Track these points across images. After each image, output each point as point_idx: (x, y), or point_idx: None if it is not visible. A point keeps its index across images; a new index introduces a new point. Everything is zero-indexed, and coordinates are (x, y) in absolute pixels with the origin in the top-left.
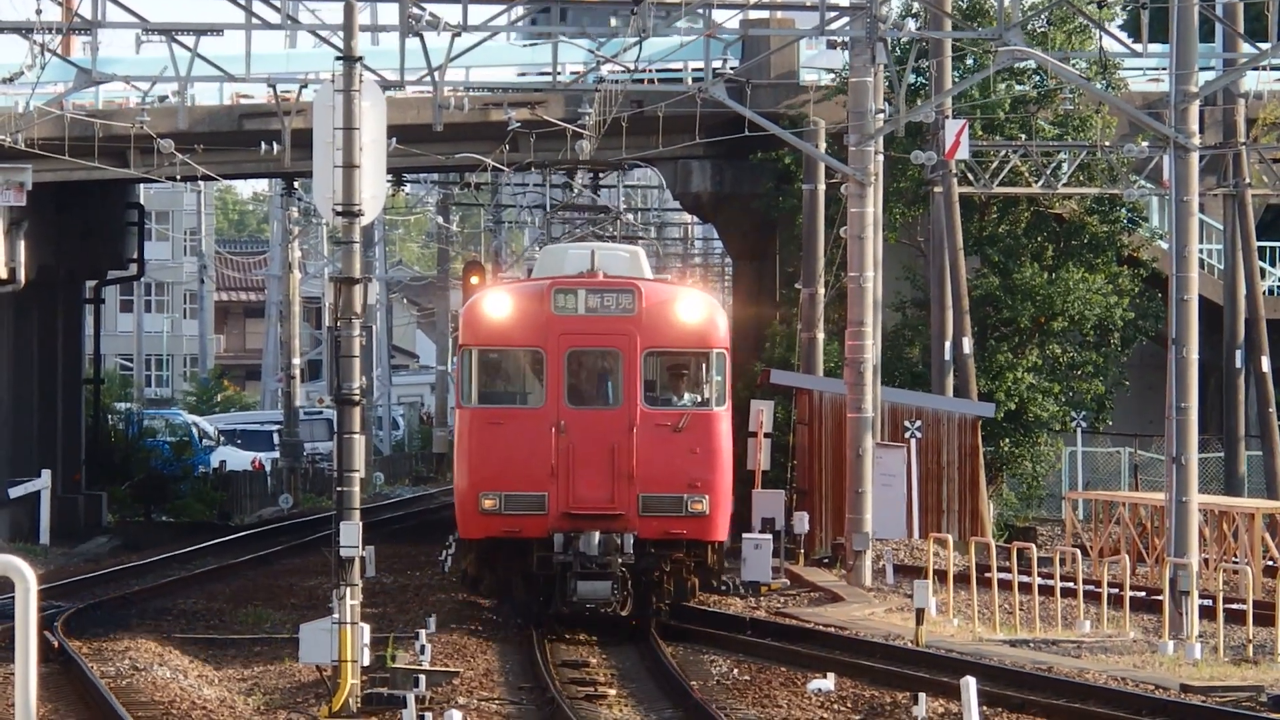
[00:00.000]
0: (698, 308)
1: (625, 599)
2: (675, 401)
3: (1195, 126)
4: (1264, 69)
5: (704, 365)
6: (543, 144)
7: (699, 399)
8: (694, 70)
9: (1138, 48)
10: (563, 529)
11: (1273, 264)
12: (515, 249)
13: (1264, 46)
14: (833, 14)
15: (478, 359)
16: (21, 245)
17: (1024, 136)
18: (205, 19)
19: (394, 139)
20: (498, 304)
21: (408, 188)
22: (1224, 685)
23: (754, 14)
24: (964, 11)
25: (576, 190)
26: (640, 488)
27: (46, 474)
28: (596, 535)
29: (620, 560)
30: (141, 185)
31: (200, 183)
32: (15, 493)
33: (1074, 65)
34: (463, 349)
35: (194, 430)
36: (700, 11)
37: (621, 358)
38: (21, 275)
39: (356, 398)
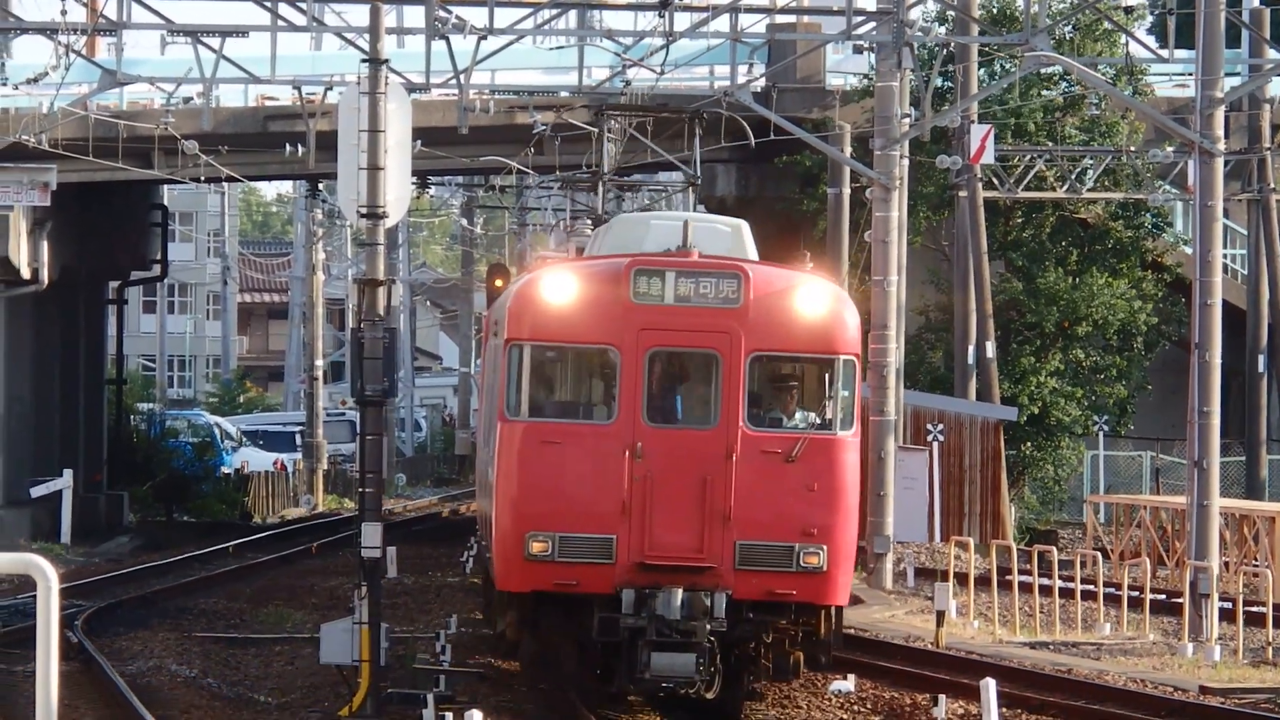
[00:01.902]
0: (822, 300)
1: (713, 678)
2: (788, 422)
3: (1220, 132)
4: None
5: (828, 376)
6: (568, 147)
7: (820, 420)
8: (719, 75)
9: (1164, 53)
10: (635, 583)
11: None
12: (540, 252)
13: None
14: (859, 19)
15: (530, 359)
16: (45, 245)
17: (1050, 142)
18: (230, 21)
19: (419, 141)
20: (560, 287)
21: (432, 190)
22: (1243, 687)
23: (780, 18)
24: (991, 16)
25: (601, 196)
26: (738, 533)
27: (68, 474)
28: (679, 593)
29: (709, 627)
30: (165, 186)
31: (224, 184)
32: (37, 492)
33: (1100, 71)
34: (510, 344)
35: (216, 431)
36: (727, 16)
37: (720, 362)
38: (45, 275)
39: (379, 399)
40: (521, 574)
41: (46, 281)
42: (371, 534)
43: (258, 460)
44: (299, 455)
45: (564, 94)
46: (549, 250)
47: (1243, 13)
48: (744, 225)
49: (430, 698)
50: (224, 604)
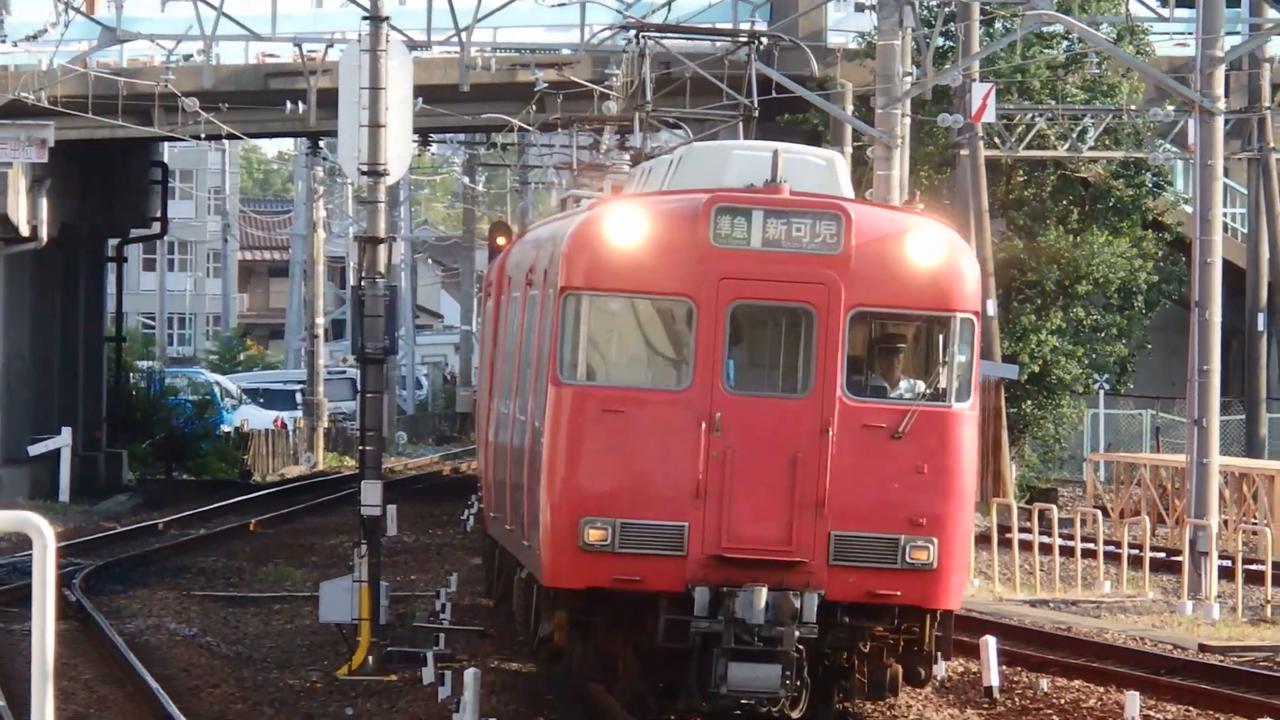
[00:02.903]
0: (937, 248)
1: (799, 694)
2: (894, 392)
3: (1221, 91)
4: None
5: (943, 337)
6: (570, 105)
7: (931, 389)
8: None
9: (1164, 12)
10: (710, 580)
11: None
12: (542, 211)
13: None
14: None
15: (589, 312)
16: (44, 203)
17: (1051, 101)
18: None
19: (420, 99)
20: (626, 227)
21: (434, 148)
22: (1242, 645)
23: None
24: None
25: (605, 148)
26: (834, 523)
27: (67, 432)
28: (764, 592)
29: (798, 633)
30: (165, 144)
31: (225, 142)
32: (35, 450)
33: (1101, 30)
34: (565, 294)
35: (216, 389)
36: None
37: (816, 319)
38: (44, 233)
39: (380, 357)
40: (574, 567)
41: (46, 239)
42: (372, 492)
43: (258, 418)
44: (299, 413)
45: (565, 51)
46: (582, 189)
47: None
48: (839, 158)
49: (430, 656)
50: (223, 562)
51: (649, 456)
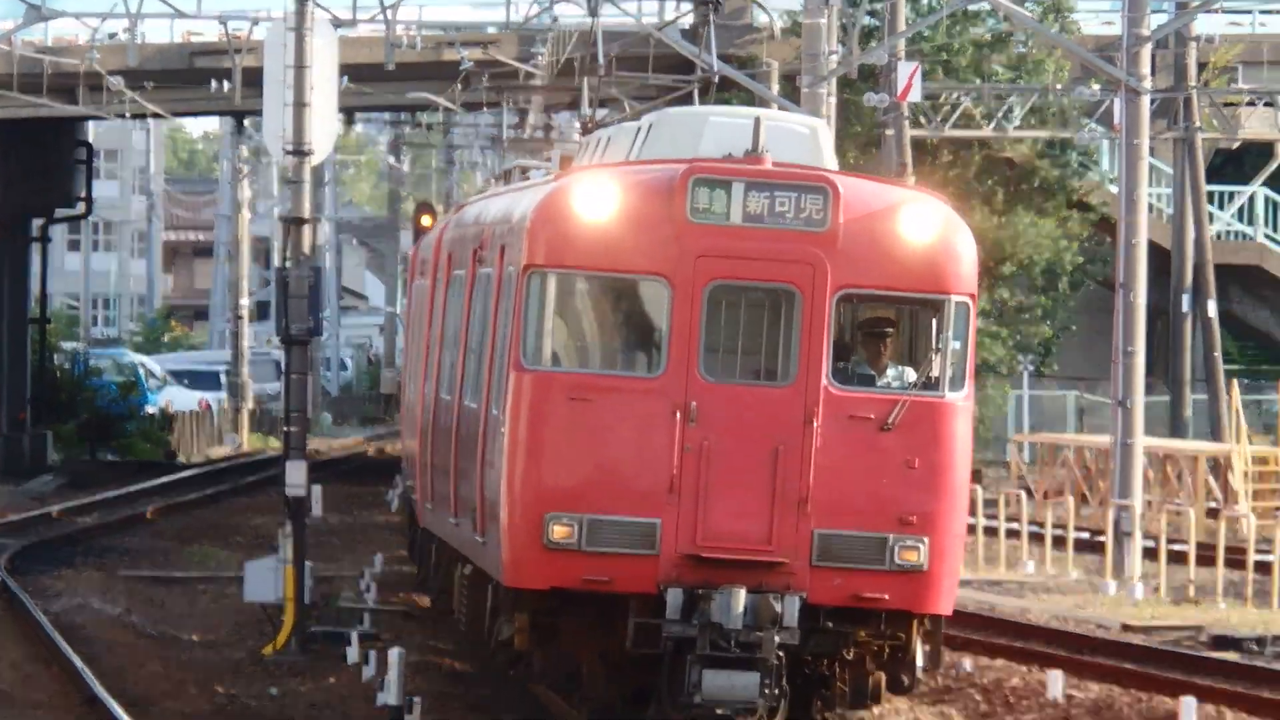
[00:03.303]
0: (931, 225)
1: (779, 703)
2: (883, 380)
3: (1147, 70)
4: (1216, 12)
5: (936, 321)
6: (495, 84)
7: (924, 378)
8: (648, 13)
9: None
10: (685, 582)
11: (1221, 208)
12: (468, 190)
13: None
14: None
15: (555, 291)
16: None
17: (977, 79)
18: None
19: (345, 78)
20: (596, 199)
21: (359, 127)
22: (1164, 625)
23: None
24: None
25: (532, 125)
26: (818, 520)
27: None
28: (742, 595)
29: (778, 639)
30: (90, 123)
31: (150, 121)
32: None
33: (1027, 8)
34: (529, 272)
35: (141, 370)
36: None
37: (800, 301)
38: None
39: (304, 339)
40: (537, 567)
41: None
42: (296, 473)
43: (182, 399)
44: (224, 394)
45: (491, 30)
46: (532, 159)
47: None
48: (822, 126)
49: (354, 635)
50: (149, 543)
51: (619, 448)
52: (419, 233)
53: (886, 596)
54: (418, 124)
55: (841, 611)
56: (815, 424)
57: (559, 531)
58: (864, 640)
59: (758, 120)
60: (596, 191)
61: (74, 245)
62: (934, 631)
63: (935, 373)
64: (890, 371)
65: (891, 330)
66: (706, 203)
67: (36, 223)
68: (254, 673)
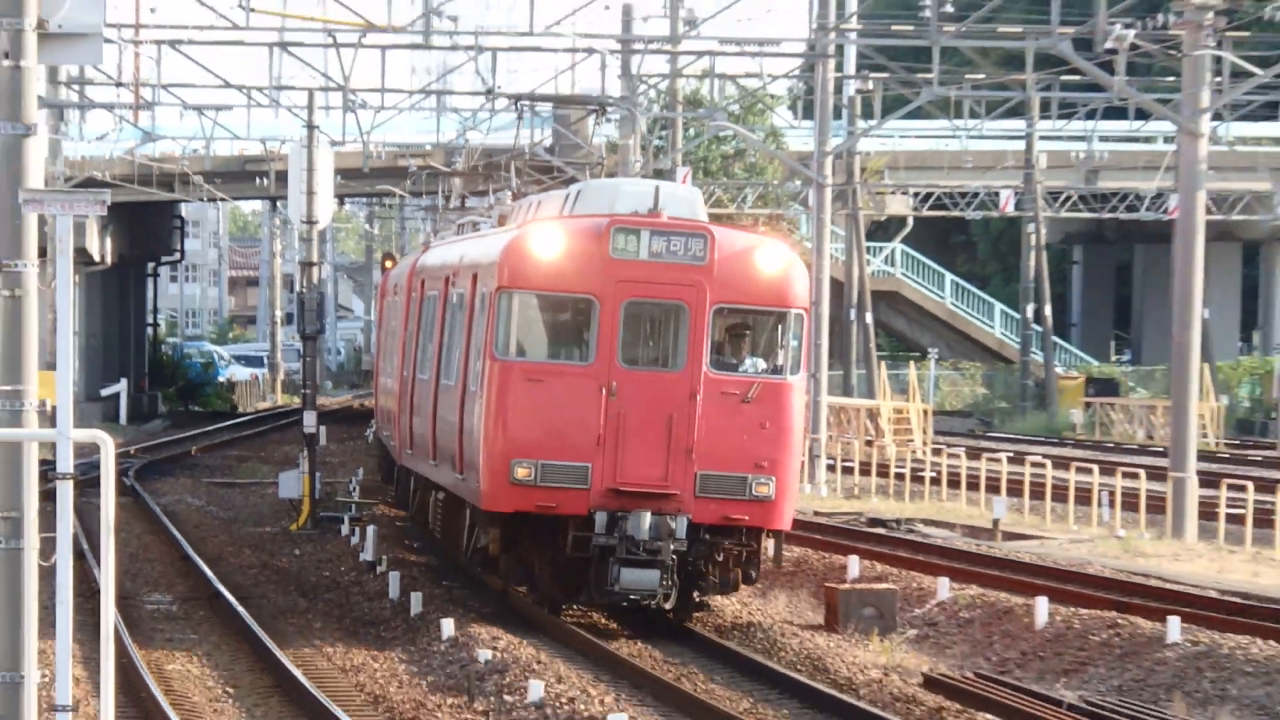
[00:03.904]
0: (777, 260)
1: (671, 592)
2: (744, 367)
3: (829, 172)
4: (870, 137)
5: (780, 327)
6: (430, 180)
7: (772, 366)
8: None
9: (795, 122)
10: (607, 507)
11: (875, 256)
12: (414, 243)
13: (870, 123)
14: (609, 102)
15: (519, 305)
16: (108, 240)
17: (725, 177)
18: (222, 101)
19: (338, 176)
20: (546, 242)
21: (347, 206)
22: (839, 511)
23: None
24: (689, 99)
25: (453, 201)
26: (699, 464)
27: (124, 381)
28: (647, 517)
29: (672, 547)
30: (182, 203)
31: (218, 202)
32: (105, 392)
33: (756, 133)
34: (500, 292)
35: (214, 355)
36: (526, 104)
37: (688, 313)
38: (109, 258)
39: (314, 335)
40: (506, 496)
41: (110, 262)
42: (310, 418)
43: (240, 373)
44: (266, 370)
45: (427, 146)
46: (476, 218)
47: (844, 98)
48: (698, 193)
49: (346, 518)
50: (219, 461)
51: (562, 414)
52: (385, 270)
53: (746, 518)
54: (383, 204)
55: (715, 528)
56: (698, 398)
57: (521, 472)
58: (729, 548)
59: (657, 188)
60: (546, 237)
61: (173, 279)
62: (777, 541)
63: (780, 362)
64: (748, 361)
65: (748, 333)
66: (623, 244)
67: (150, 265)
68: (284, 541)
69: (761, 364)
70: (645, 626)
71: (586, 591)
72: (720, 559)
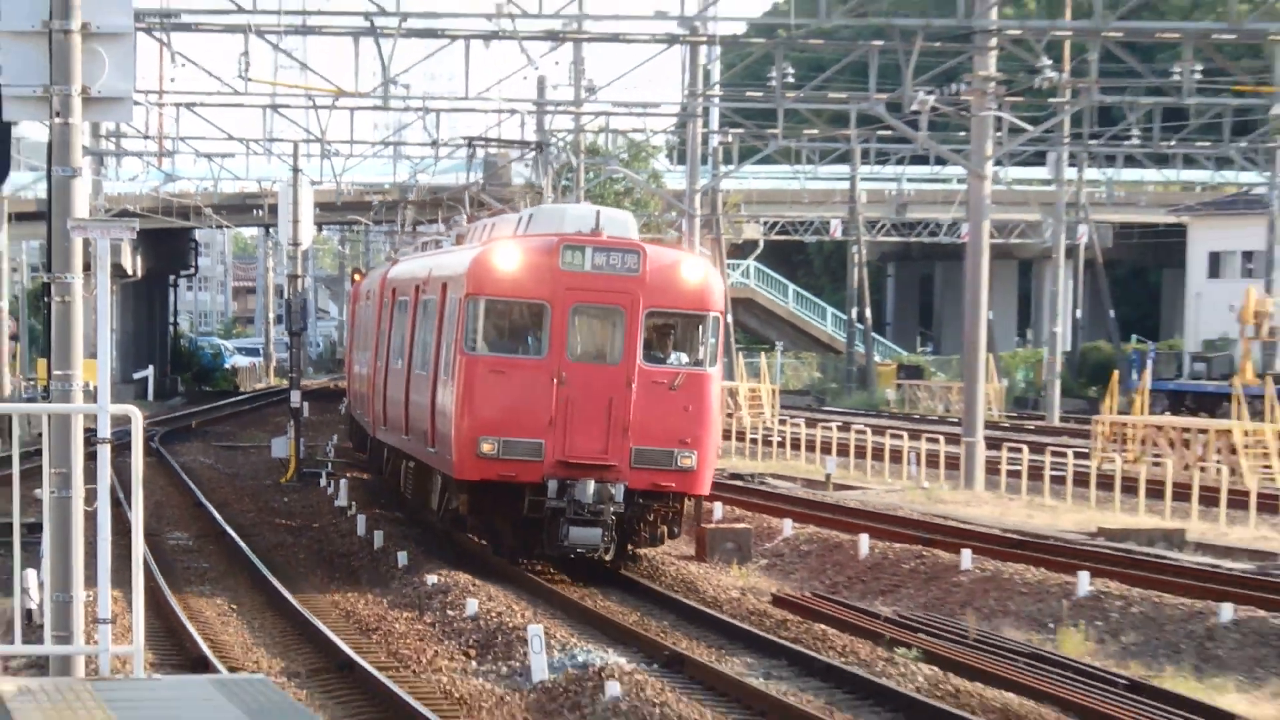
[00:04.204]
0: (698, 272)
1: (611, 545)
2: (670, 360)
3: (698, 205)
4: (729, 178)
5: (701, 327)
6: (389, 210)
7: (693, 359)
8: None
9: (674, 167)
10: (558, 476)
11: (734, 270)
12: (375, 260)
13: (729, 167)
14: (546, 143)
15: (484, 309)
16: (138, 258)
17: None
18: (226, 149)
19: (317, 208)
20: (506, 256)
21: (324, 231)
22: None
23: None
24: (589, 148)
25: (409, 225)
26: (634, 441)
27: (151, 367)
28: (591, 484)
29: (612, 509)
30: (196, 229)
31: (225, 229)
32: (136, 376)
33: (642, 175)
34: (468, 298)
35: (222, 347)
36: (478, 145)
37: (624, 315)
38: (139, 272)
39: (299, 331)
40: (474, 467)
41: (140, 276)
42: (296, 396)
43: (242, 361)
44: (261, 358)
45: (386, 186)
46: (436, 233)
47: (709, 147)
48: (631, 215)
49: (324, 473)
50: (226, 429)
51: (520, 400)
52: (354, 282)
53: (673, 485)
54: (352, 230)
55: (647, 493)
56: (633, 386)
57: (486, 447)
58: (658, 509)
59: (598, 212)
60: (507, 252)
61: (189, 288)
62: (698, 504)
63: (700, 356)
64: (673, 356)
65: (674, 332)
66: (570, 259)
67: (171, 277)
68: (276, 490)
69: (685, 358)
70: (569, 566)
71: (540, 546)
72: (650, 519)
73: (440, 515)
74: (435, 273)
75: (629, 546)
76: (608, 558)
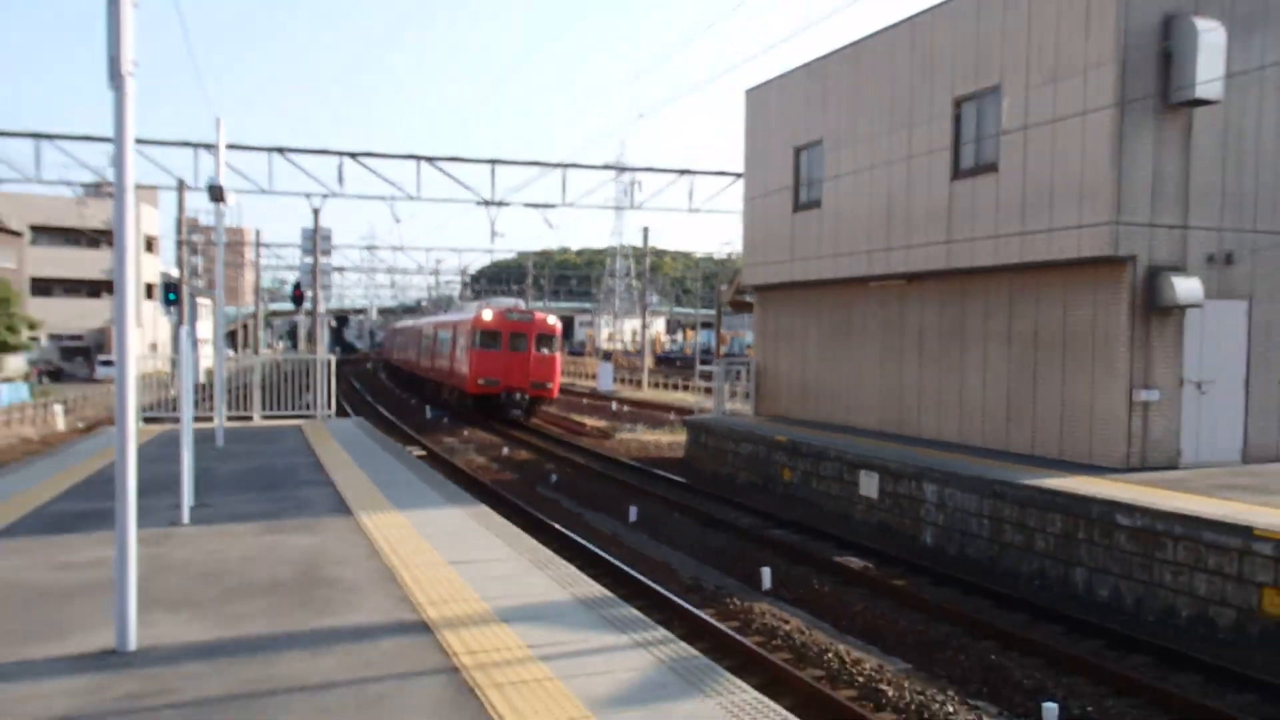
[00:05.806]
0: (549, 319)
1: (525, 414)
2: (545, 351)
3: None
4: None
5: (554, 338)
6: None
7: (550, 350)
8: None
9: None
10: (505, 391)
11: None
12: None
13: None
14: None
15: (480, 335)
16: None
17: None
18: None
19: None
20: (491, 312)
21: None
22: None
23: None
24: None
25: (426, 302)
26: (532, 379)
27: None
28: (517, 394)
29: (524, 400)
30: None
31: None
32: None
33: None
34: (474, 329)
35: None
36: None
37: (528, 335)
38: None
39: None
40: (475, 388)
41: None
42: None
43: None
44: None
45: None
46: (459, 309)
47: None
48: (521, 302)
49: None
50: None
51: (491, 365)
52: (384, 327)
53: (543, 394)
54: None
55: (534, 398)
56: (530, 359)
57: (480, 381)
58: (535, 402)
59: (517, 302)
60: (490, 311)
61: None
62: (552, 400)
63: (554, 350)
64: (544, 349)
65: (545, 340)
66: (508, 315)
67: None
68: (409, 410)
69: (547, 350)
70: (515, 425)
71: (498, 414)
72: (535, 405)
73: (456, 408)
74: (448, 322)
75: (530, 417)
76: (523, 420)
